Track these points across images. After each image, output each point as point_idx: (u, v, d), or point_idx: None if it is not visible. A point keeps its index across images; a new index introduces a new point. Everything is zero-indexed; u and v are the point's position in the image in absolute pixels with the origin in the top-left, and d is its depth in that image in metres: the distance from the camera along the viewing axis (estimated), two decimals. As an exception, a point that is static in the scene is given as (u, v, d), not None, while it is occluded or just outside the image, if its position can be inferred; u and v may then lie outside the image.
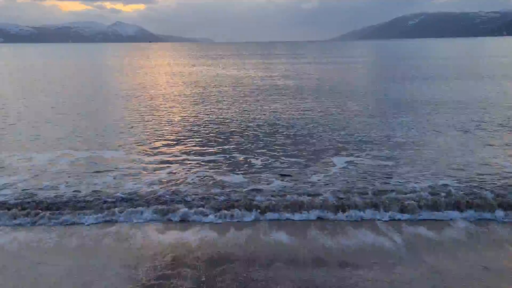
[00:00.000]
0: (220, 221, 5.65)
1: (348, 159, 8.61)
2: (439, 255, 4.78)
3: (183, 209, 5.94)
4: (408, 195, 6.40)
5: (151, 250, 4.91)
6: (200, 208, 5.97)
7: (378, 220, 5.70)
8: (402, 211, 5.93)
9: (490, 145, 9.59)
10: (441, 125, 11.71)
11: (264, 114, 13.78)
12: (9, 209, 6.01)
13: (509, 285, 4.19)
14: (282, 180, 7.31)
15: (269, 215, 5.78)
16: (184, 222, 5.66)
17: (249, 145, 9.89)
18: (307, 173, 7.68)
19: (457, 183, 7.06)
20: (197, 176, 7.57)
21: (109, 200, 6.34)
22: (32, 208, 6.02)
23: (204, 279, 4.34)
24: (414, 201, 6.12)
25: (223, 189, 6.89)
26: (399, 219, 5.73)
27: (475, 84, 21.53)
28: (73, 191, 6.84)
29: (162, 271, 4.45)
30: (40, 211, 5.96)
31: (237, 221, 5.68)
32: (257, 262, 4.65)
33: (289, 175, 7.57)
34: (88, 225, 5.61)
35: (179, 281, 4.26)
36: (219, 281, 4.24)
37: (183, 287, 4.16)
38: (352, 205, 6.06)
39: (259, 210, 5.91)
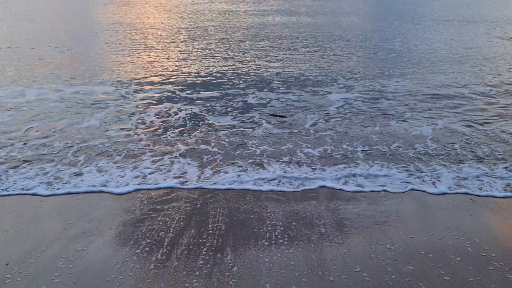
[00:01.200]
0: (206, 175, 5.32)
1: (346, 96, 8.50)
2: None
3: (170, 157, 5.83)
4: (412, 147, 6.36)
5: (143, 190, 4.94)
6: (187, 158, 5.68)
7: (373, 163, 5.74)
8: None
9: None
10: (439, 68, 11.58)
11: (256, 52, 13.36)
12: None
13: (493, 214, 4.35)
14: (276, 122, 7.10)
15: (260, 173, 5.22)
16: (172, 166, 5.61)
17: (241, 83, 9.67)
18: (303, 115, 7.48)
19: (459, 125, 7.04)
20: (186, 115, 7.43)
21: (94, 148, 6.22)
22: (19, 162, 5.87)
23: (199, 206, 4.51)
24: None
25: (214, 133, 6.60)
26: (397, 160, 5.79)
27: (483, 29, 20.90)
28: (52, 139, 6.73)
29: (154, 203, 4.52)
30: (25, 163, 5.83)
31: (225, 174, 5.60)
32: (248, 194, 4.77)
33: (283, 116, 7.38)
34: (73, 173, 5.38)
35: (172, 211, 4.35)
36: (212, 211, 4.34)
37: (177, 214, 4.31)
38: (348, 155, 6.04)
39: (247, 162, 5.52)
